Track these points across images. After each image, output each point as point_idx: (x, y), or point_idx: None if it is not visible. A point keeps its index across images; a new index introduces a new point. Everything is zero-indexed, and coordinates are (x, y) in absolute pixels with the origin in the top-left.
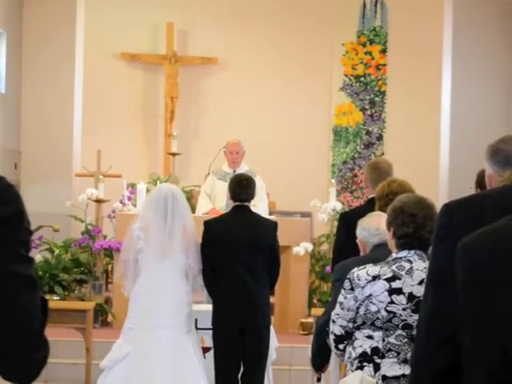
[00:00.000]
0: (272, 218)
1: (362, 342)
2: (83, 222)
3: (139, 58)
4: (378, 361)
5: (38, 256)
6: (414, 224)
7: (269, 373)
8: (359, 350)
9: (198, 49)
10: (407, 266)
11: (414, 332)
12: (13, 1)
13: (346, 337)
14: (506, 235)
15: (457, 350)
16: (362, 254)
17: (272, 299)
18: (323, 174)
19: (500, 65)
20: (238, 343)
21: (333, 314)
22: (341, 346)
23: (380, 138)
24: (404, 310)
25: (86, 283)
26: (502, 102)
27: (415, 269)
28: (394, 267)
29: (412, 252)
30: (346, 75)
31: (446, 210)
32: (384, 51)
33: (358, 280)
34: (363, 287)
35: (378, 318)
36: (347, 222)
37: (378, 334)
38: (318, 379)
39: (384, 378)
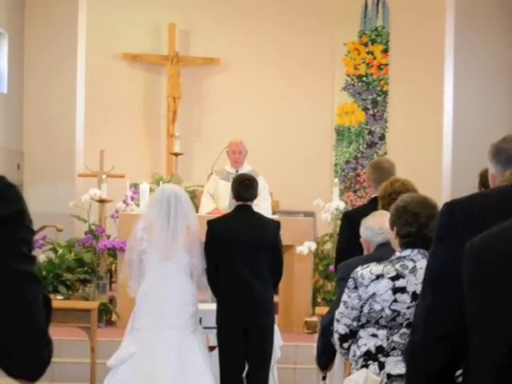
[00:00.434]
0: (275, 217)
1: (367, 341)
2: (86, 221)
3: (141, 58)
4: (382, 359)
5: (41, 256)
6: (417, 223)
7: (274, 372)
8: (364, 349)
9: (199, 49)
10: (411, 264)
11: None
12: (14, 1)
13: (351, 335)
14: None
15: (453, 348)
16: (365, 253)
17: (276, 298)
18: (326, 174)
19: (502, 64)
20: (242, 342)
21: (337, 312)
22: (345, 345)
23: (382, 137)
24: (408, 308)
25: (90, 283)
26: (504, 102)
27: (418, 268)
28: (397, 266)
29: (415, 251)
30: (348, 75)
31: (446, 209)
32: (386, 51)
33: (362, 279)
34: (367, 286)
35: (382, 317)
36: (350, 221)
37: (382, 333)
38: (324, 378)
39: (389, 376)
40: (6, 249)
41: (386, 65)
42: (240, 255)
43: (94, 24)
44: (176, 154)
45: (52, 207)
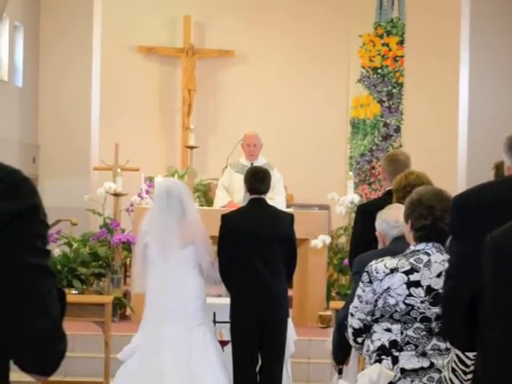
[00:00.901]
0: (289, 210)
1: (381, 335)
2: (101, 215)
3: (156, 51)
4: (396, 354)
5: (56, 250)
6: (432, 216)
7: (287, 366)
8: (377, 343)
9: (215, 42)
10: (425, 258)
11: (433, 325)
12: None
13: (365, 330)
14: None
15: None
16: (381, 246)
17: (290, 292)
18: (341, 167)
19: None
20: (256, 336)
21: (351, 307)
22: (359, 340)
23: (398, 129)
24: (422, 302)
25: (105, 277)
26: None
27: (433, 261)
28: (411, 260)
29: (430, 244)
30: (363, 67)
31: (454, 205)
32: (401, 43)
33: (376, 273)
34: (381, 280)
35: (396, 311)
36: (365, 213)
37: (396, 327)
38: (339, 372)
39: (402, 370)
40: (20, 243)
41: (402, 57)
42: (254, 249)
43: (109, 17)
44: (191, 147)
45: (67, 201)
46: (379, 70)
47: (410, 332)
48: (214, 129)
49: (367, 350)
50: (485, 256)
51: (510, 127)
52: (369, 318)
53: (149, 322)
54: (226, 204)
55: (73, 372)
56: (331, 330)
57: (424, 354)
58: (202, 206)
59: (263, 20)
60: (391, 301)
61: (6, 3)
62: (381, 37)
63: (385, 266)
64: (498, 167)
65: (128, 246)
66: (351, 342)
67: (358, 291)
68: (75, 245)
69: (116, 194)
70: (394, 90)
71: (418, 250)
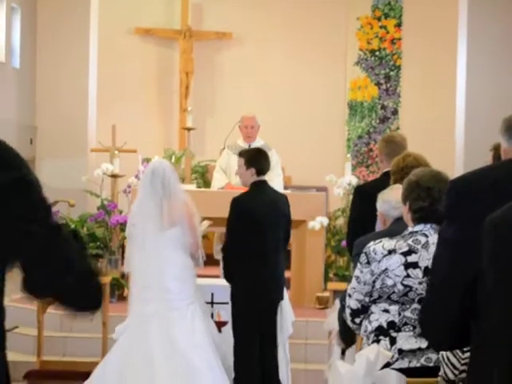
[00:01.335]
0: (287, 192)
1: (378, 316)
2: (99, 197)
3: (153, 32)
4: (394, 334)
5: None
6: (430, 198)
7: (285, 347)
8: (375, 324)
9: (212, 23)
10: (423, 239)
11: None
12: None
13: (362, 311)
14: None
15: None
16: (381, 226)
17: (288, 273)
18: (339, 149)
19: None
20: (256, 317)
21: (349, 288)
22: (357, 320)
23: (395, 112)
24: (420, 283)
25: (102, 258)
26: None
27: (431, 243)
28: (409, 241)
29: (428, 226)
30: (360, 49)
31: (452, 189)
32: (399, 25)
33: (374, 254)
34: (379, 261)
35: (394, 292)
36: (362, 194)
37: (394, 308)
38: (343, 351)
39: (400, 351)
40: (24, 211)
41: (399, 39)
42: (265, 231)
43: None
44: (188, 129)
45: (64, 182)
46: (377, 53)
47: (407, 313)
48: (211, 111)
49: (365, 331)
50: (483, 237)
51: (508, 109)
52: (367, 299)
53: (134, 301)
54: (223, 186)
55: (71, 352)
56: (329, 311)
57: (422, 335)
58: (199, 187)
59: (261, 2)
60: (389, 282)
61: None
62: (378, 19)
63: (383, 247)
64: (497, 148)
65: (125, 227)
66: (349, 323)
67: (356, 272)
68: (73, 226)
69: (113, 176)
70: (392, 73)
71: (416, 232)
